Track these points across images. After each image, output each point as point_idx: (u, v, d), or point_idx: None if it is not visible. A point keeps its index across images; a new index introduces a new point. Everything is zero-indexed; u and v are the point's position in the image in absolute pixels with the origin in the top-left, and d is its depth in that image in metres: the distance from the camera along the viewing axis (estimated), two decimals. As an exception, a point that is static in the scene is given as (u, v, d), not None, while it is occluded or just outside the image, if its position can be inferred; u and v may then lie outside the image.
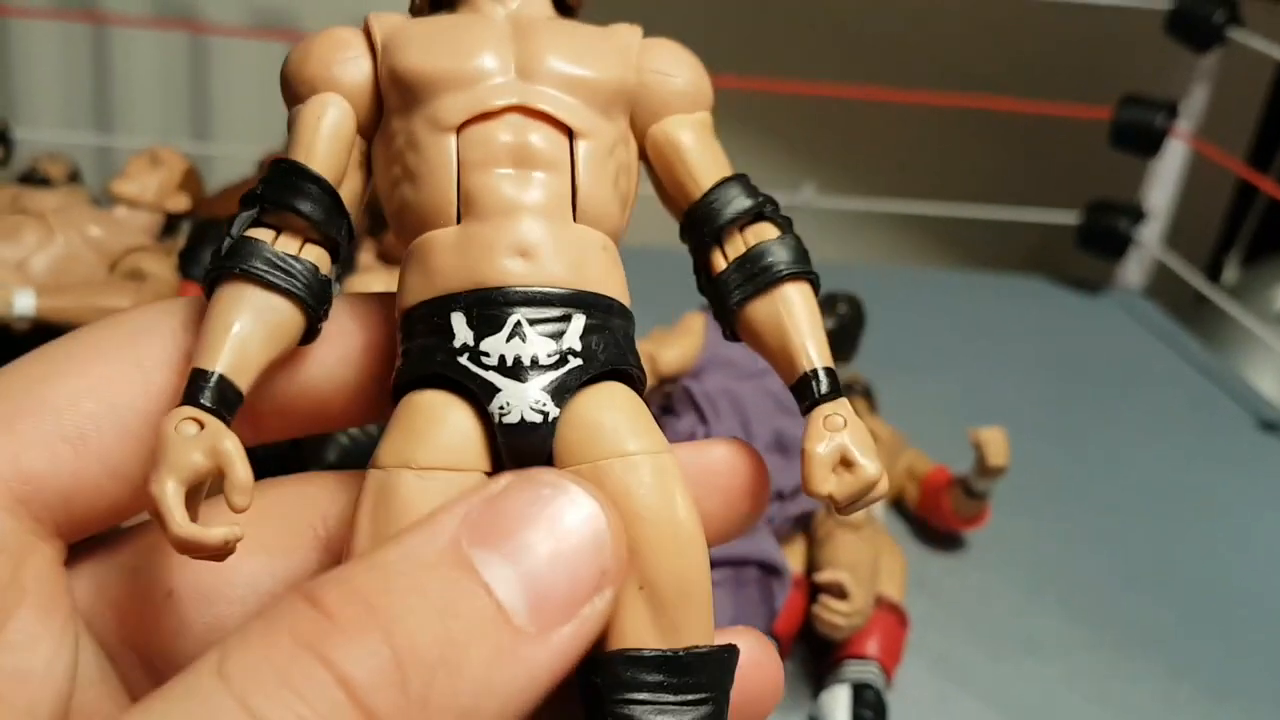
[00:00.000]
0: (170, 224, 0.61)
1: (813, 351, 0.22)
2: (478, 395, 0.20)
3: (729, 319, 0.22)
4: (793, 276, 0.22)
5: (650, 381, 0.57)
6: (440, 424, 0.20)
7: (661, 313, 0.57)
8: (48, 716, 0.19)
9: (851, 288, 0.71)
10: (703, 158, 0.22)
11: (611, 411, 0.20)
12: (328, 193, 0.21)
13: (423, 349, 0.20)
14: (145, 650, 0.21)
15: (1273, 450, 0.78)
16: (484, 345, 0.20)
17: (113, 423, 0.20)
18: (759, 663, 0.22)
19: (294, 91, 0.21)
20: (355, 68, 0.21)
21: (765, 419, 0.52)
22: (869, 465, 0.21)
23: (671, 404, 0.54)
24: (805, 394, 0.22)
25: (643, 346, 0.56)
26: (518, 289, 0.20)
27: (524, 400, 0.20)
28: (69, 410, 0.20)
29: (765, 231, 0.22)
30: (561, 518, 0.18)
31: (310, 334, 0.21)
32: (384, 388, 0.21)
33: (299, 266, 0.20)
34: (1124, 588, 0.62)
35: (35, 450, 0.20)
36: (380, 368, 0.22)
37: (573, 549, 0.18)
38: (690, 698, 0.19)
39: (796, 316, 0.22)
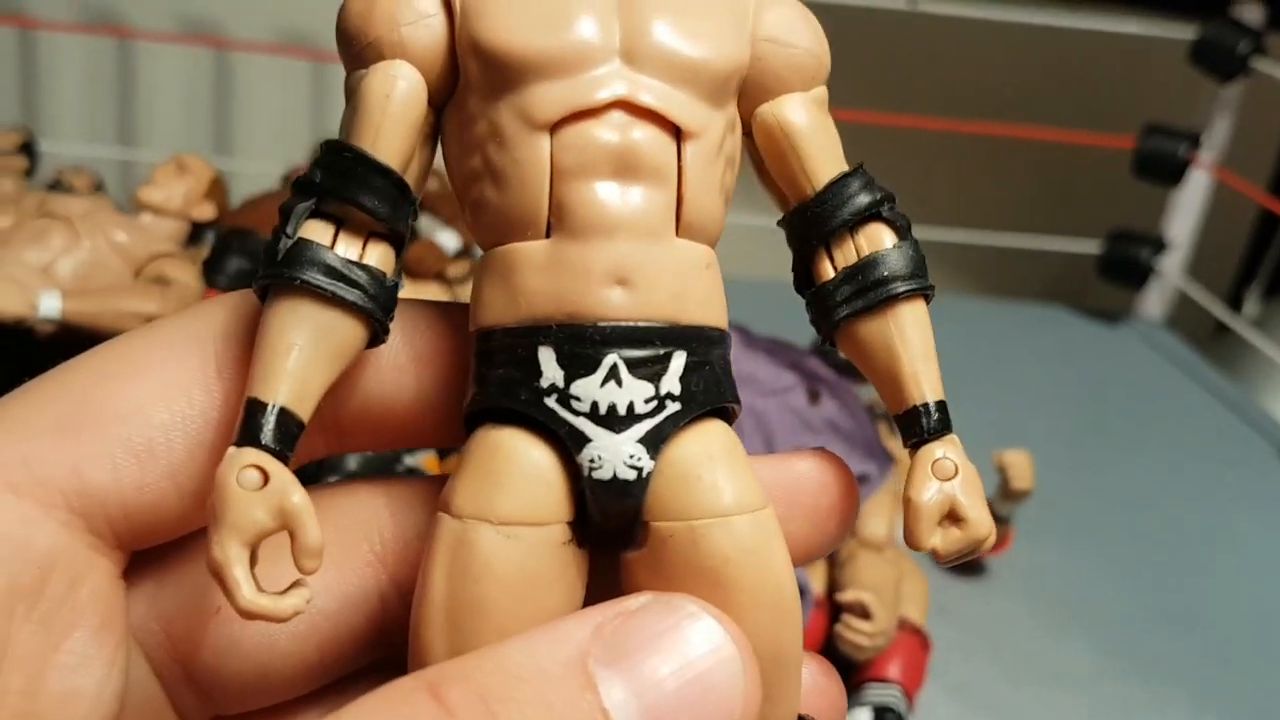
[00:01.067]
0: (195, 232, 0.61)
1: (924, 382, 0.20)
2: (565, 442, 0.18)
3: (830, 332, 0.21)
4: (909, 295, 0.20)
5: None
6: (521, 470, 0.18)
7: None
8: None
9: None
10: (819, 148, 0.20)
11: (709, 463, 0.18)
12: (395, 184, 0.18)
13: (504, 381, 0.18)
14: (192, 666, 0.20)
15: (1295, 481, 0.77)
16: (575, 388, 0.18)
17: (183, 434, 0.19)
18: (823, 690, 0.21)
19: (355, 53, 0.19)
20: (428, 30, 0.18)
21: (789, 436, 0.52)
22: (980, 521, 0.20)
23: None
24: (913, 429, 0.20)
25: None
26: (616, 324, 0.18)
27: (618, 454, 0.18)
28: (135, 418, 0.19)
29: (880, 236, 0.20)
30: (697, 654, 0.17)
31: (375, 342, 0.19)
32: (449, 407, 0.20)
33: (364, 275, 0.18)
34: (1146, 617, 0.62)
35: (97, 462, 0.18)
36: (446, 383, 0.20)
37: (702, 691, 0.17)
38: None
39: (910, 341, 0.20)
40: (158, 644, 0.20)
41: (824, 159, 0.20)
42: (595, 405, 0.18)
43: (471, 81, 0.18)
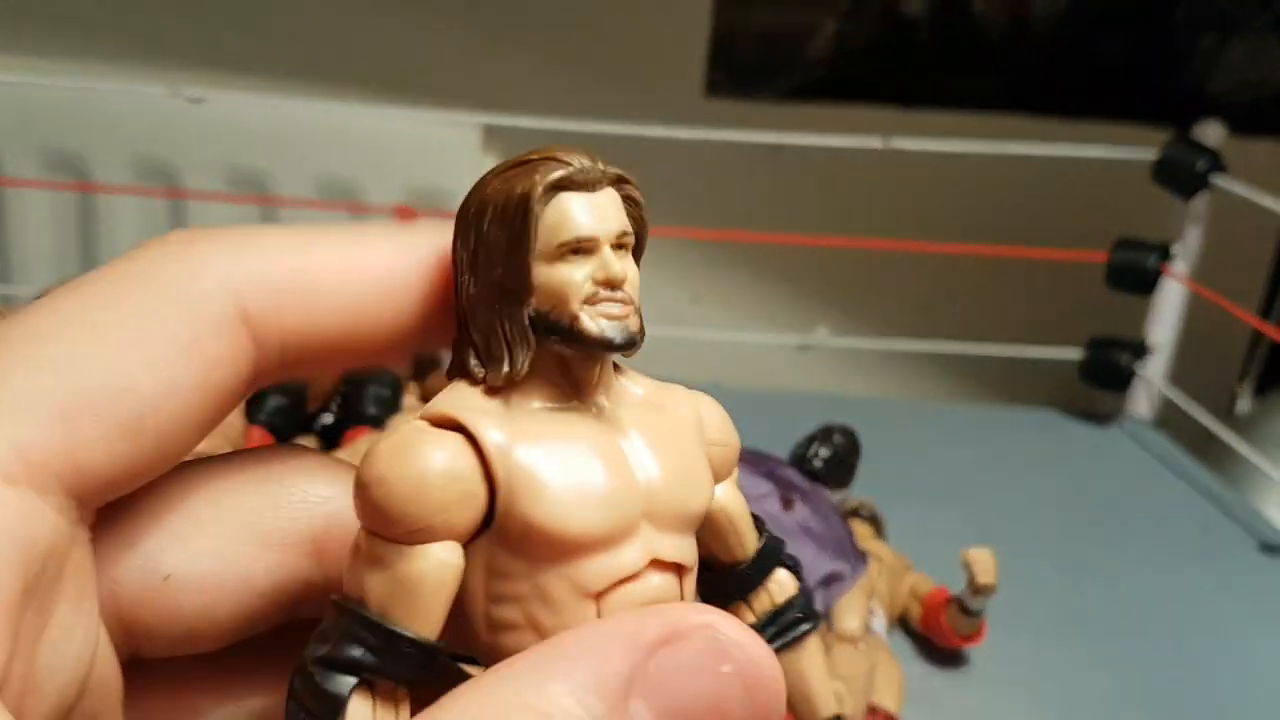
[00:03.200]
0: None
1: (825, 703, 0.24)
2: None
3: None
4: (810, 631, 0.24)
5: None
6: None
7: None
8: (73, 699, 0.19)
9: (865, 420, 0.77)
10: (745, 522, 0.23)
11: None
12: (436, 653, 0.19)
13: None
14: (134, 627, 0.21)
15: (1273, 571, 0.81)
16: None
17: (171, 402, 0.19)
18: None
19: (401, 533, 0.19)
20: (473, 508, 0.19)
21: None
22: None
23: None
24: None
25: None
26: None
27: None
28: (127, 396, 0.19)
29: (786, 583, 0.23)
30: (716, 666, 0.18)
31: None
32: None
33: None
34: (1124, 707, 0.65)
35: (93, 446, 0.18)
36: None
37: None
38: None
39: (817, 668, 0.24)
40: (105, 601, 0.21)
41: (749, 531, 0.23)
42: None
43: (515, 543, 0.19)
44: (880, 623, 0.65)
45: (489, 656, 0.20)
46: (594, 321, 0.20)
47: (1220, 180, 0.91)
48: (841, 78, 1.36)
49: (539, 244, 0.20)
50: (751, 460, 0.63)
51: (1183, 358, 1.01)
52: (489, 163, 1.27)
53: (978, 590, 0.62)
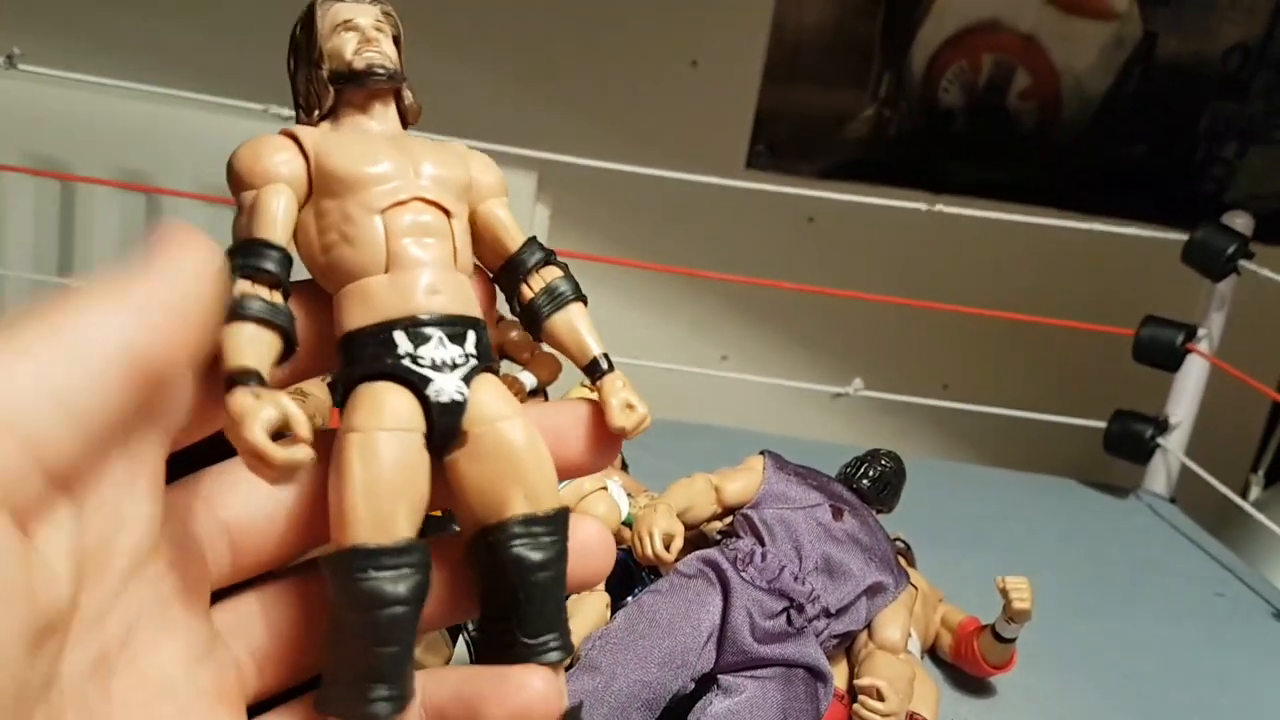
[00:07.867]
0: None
1: (595, 343, 0.32)
2: (417, 384, 0.28)
3: (538, 329, 0.33)
4: (576, 299, 0.33)
5: (716, 509, 0.66)
6: (394, 401, 0.28)
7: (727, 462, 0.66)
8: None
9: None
10: (513, 225, 0.33)
11: (493, 393, 0.29)
12: (287, 257, 0.29)
13: (373, 356, 0.28)
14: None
15: (1286, 638, 0.83)
16: (419, 352, 0.28)
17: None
18: (590, 544, 0.31)
19: (246, 181, 0.29)
20: (295, 166, 0.30)
21: (815, 544, 0.61)
22: (641, 406, 0.32)
23: (734, 528, 0.63)
24: (595, 370, 0.32)
25: (711, 479, 0.65)
26: (437, 315, 0.29)
27: (450, 387, 0.28)
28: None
29: (554, 271, 0.33)
30: None
31: (289, 351, 0.28)
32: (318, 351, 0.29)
33: (283, 309, 0.28)
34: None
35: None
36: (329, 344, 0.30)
37: None
38: (550, 539, 0.29)
39: (583, 323, 0.33)
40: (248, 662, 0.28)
41: (516, 231, 0.33)
42: (433, 360, 0.29)
43: (327, 190, 0.30)
44: (915, 644, 0.68)
45: (327, 277, 0.30)
46: (360, 59, 0.31)
47: (1249, 265, 0.96)
48: (876, 160, 1.41)
49: (324, 29, 0.31)
50: (805, 475, 0.66)
51: (1201, 438, 1.04)
52: (541, 209, 1.32)
53: (1013, 617, 0.65)
